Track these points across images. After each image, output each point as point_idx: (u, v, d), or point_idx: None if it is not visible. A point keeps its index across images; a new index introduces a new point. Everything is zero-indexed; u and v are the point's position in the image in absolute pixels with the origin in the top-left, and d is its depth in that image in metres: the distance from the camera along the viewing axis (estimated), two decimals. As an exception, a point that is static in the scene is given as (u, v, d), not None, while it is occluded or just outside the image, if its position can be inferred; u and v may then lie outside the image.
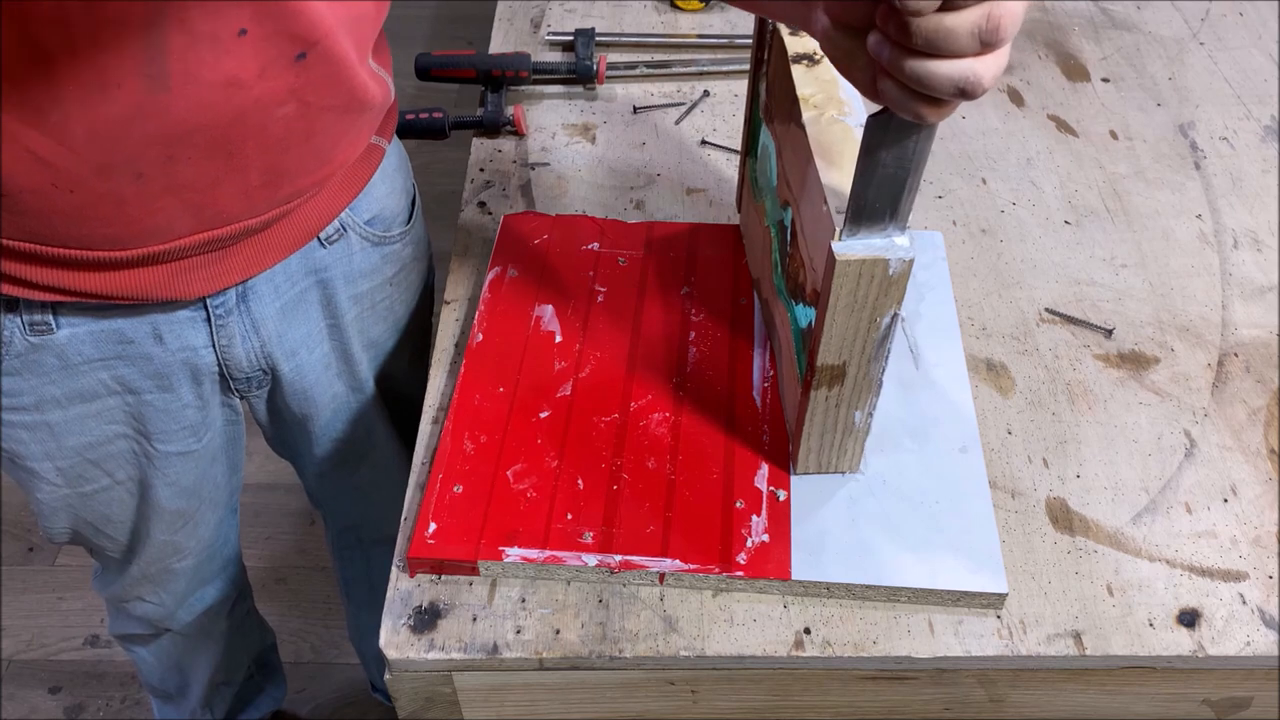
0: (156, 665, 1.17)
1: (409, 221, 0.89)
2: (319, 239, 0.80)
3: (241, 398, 0.87)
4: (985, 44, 0.47)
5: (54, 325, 0.73)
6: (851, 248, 0.58)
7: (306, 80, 0.65)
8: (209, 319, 0.77)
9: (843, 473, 0.71)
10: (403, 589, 0.66)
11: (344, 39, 0.67)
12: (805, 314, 0.66)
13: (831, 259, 0.58)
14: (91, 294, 0.71)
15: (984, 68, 0.47)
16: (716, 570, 0.65)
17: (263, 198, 0.71)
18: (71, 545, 0.95)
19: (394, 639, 0.64)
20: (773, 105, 0.75)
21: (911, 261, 0.58)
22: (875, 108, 0.54)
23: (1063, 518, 0.71)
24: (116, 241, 0.68)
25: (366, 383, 0.93)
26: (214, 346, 0.79)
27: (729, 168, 0.98)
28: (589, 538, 0.67)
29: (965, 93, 0.48)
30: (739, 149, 0.99)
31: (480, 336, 0.79)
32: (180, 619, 1.07)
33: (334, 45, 0.65)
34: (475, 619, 0.65)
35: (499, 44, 1.13)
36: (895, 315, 0.60)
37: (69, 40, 0.56)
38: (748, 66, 1.01)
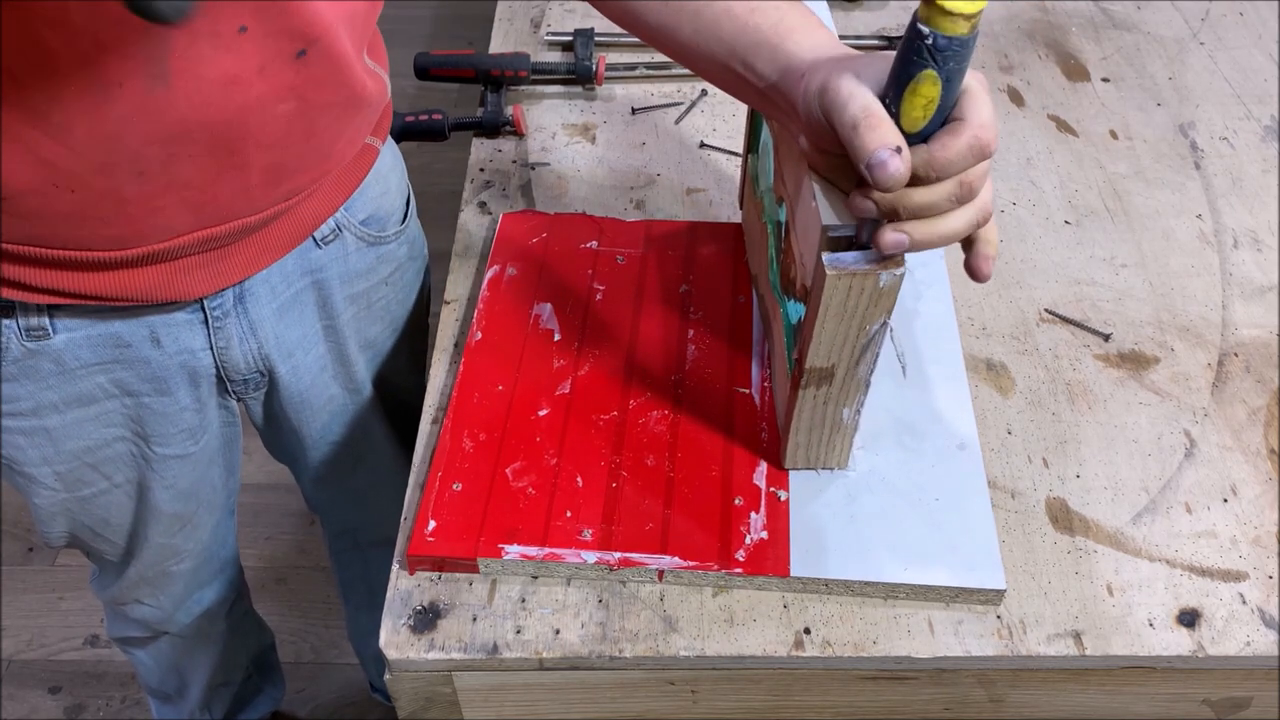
0: (155, 667, 1.17)
1: (404, 221, 0.89)
2: (315, 239, 0.80)
3: (239, 400, 0.87)
4: (961, 203, 0.55)
5: (51, 330, 0.73)
6: (842, 260, 0.57)
7: (306, 77, 0.65)
8: (206, 321, 0.77)
9: (831, 469, 0.71)
10: (402, 589, 0.66)
11: (343, 35, 0.67)
12: (796, 310, 0.66)
13: (821, 271, 0.57)
14: (90, 295, 0.71)
15: (968, 213, 0.56)
16: (715, 567, 0.65)
17: (262, 195, 0.71)
18: (69, 549, 0.95)
19: (394, 639, 0.64)
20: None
21: (903, 275, 0.57)
22: None
23: (1063, 518, 0.71)
24: (116, 241, 0.68)
25: (363, 384, 0.92)
26: (211, 349, 0.79)
27: (729, 167, 0.98)
28: (588, 535, 0.67)
29: (953, 239, 0.56)
30: (738, 149, 0.99)
31: (479, 335, 0.79)
32: (178, 621, 1.07)
33: (334, 42, 0.65)
34: (475, 619, 0.65)
35: (499, 44, 1.13)
36: (884, 323, 0.60)
37: (71, 39, 0.56)
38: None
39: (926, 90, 0.51)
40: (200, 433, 0.85)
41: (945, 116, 0.53)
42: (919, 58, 0.50)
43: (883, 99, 0.53)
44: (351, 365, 0.90)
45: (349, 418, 0.94)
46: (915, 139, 0.53)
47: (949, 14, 0.48)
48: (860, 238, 0.57)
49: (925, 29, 0.50)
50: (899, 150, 0.52)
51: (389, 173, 0.86)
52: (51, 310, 0.73)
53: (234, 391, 0.85)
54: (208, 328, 0.78)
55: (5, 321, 0.72)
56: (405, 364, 0.96)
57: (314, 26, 0.63)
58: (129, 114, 0.60)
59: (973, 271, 0.58)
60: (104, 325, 0.74)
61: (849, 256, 0.57)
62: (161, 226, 0.68)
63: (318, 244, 0.80)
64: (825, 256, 0.57)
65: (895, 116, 0.53)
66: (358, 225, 0.83)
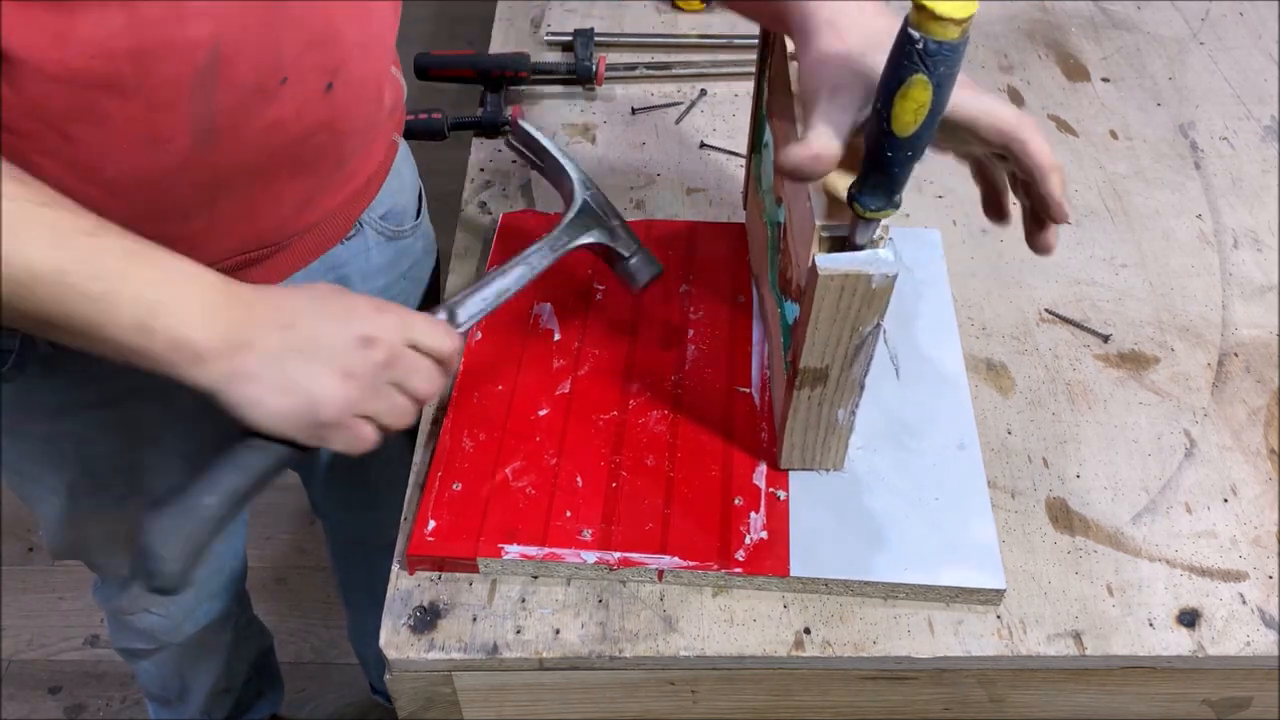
0: (157, 674, 1.16)
1: (418, 215, 0.90)
2: None
3: None
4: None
5: None
6: (835, 261, 0.57)
7: (336, 108, 0.67)
8: None
9: (826, 469, 0.71)
10: (403, 589, 0.66)
11: (362, 56, 0.67)
12: (793, 310, 0.66)
13: (814, 272, 0.57)
14: None
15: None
16: (715, 567, 0.65)
17: (295, 219, 0.73)
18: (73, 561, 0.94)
19: (394, 639, 0.64)
20: (773, 101, 0.75)
21: (895, 277, 0.57)
22: None
23: (1063, 518, 0.71)
24: None
25: None
26: None
27: (729, 167, 0.98)
28: (588, 535, 0.67)
29: None
30: (738, 150, 0.99)
31: (479, 335, 0.79)
32: (185, 631, 1.06)
33: (355, 66, 0.67)
34: (475, 619, 0.65)
35: (499, 44, 1.13)
36: (878, 325, 0.60)
37: (125, 103, 0.57)
38: (746, 67, 1.01)
39: (917, 95, 0.51)
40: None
41: (937, 120, 0.53)
42: (910, 62, 0.51)
43: (874, 104, 0.54)
44: None
45: None
46: (907, 144, 0.53)
47: (939, 19, 0.49)
48: (853, 239, 0.57)
49: (916, 34, 0.50)
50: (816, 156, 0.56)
51: (403, 168, 0.87)
52: None
53: None
54: None
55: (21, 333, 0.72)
56: None
57: (335, 55, 0.65)
58: (176, 167, 0.62)
59: (1044, 246, 0.65)
60: None
61: (842, 257, 0.57)
62: (201, 257, 0.69)
63: (341, 240, 0.81)
64: (818, 257, 0.57)
65: (887, 120, 0.53)
66: (377, 220, 0.84)
